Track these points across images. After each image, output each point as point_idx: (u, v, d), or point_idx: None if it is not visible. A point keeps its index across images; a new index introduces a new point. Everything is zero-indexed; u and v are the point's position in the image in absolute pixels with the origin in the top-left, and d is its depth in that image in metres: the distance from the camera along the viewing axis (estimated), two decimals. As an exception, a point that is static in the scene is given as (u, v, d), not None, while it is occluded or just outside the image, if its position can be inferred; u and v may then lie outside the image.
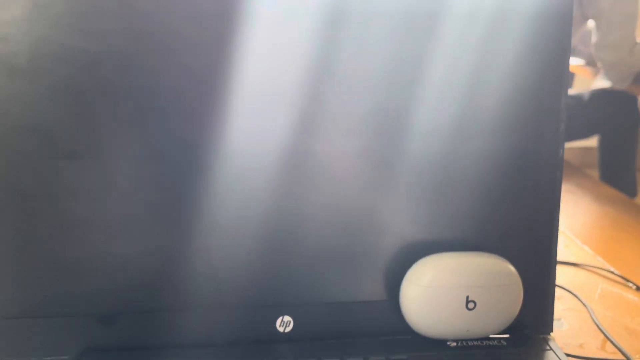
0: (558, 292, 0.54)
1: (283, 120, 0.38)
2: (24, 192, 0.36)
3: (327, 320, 0.40)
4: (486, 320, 0.40)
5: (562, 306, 0.52)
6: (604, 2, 1.33)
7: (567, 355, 0.43)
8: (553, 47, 0.40)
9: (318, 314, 0.40)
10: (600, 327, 0.48)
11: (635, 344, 0.47)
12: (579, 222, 0.84)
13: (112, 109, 0.37)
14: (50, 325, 0.38)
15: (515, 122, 0.41)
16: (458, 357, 0.39)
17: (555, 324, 0.44)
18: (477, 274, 0.40)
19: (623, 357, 0.44)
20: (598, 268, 0.62)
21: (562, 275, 0.60)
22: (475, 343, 0.41)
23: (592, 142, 1.69)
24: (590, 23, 1.42)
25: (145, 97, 0.37)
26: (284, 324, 0.40)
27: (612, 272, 0.61)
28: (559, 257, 0.44)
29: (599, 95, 1.50)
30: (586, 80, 1.77)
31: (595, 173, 1.54)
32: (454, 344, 0.41)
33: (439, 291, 0.39)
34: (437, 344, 0.40)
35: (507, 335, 0.42)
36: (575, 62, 1.62)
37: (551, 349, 0.41)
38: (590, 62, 1.56)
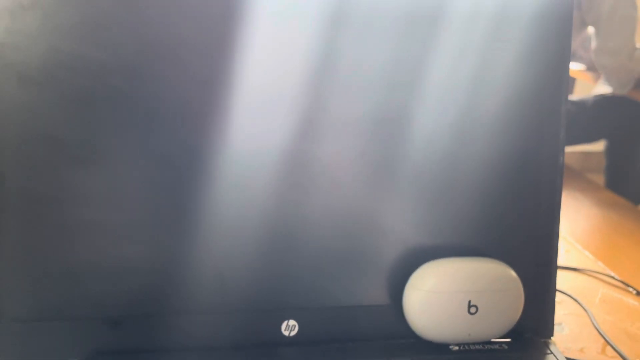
0: (559, 296, 0.54)
1: (287, 125, 0.39)
2: (33, 197, 0.37)
3: (331, 324, 0.41)
4: (488, 324, 0.41)
5: (563, 311, 0.53)
6: (603, 7, 1.33)
7: (568, 359, 0.43)
8: (553, 52, 0.41)
9: (323, 318, 0.41)
10: (601, 331, 0.48)
11: (636, 348, 0.47)
12: (579, 227, 0.84)
13: (120, 116, 0.37)
14: (59, 328, 0.38)
15: (516, 128, 0.41)
16: (460, 361, 0.40)
17: (556, 328, 0.44)
18: (479, 279, 0.40)
19: (623, 361, 0.44)
20: (598, 273, 0.62)
21: (563, 280, 0.60)
22: (477, 347, 0.41)
23: (594, 146, 1.69)
24: (590, 28, 1.43)
25: (152, 104, 0.38)
26: (289, 327, 0.41)
27: (613, 277, 0.61)
28: (560, 262, 0.45)
29: (603, 101, 1.51)
30: (587, 85, 1.77)
31: (596, 178, 1.54)
32: (456, 347, 0.41)
33: (441, 296, 0.40)
34: (439, 348, 0.41)
35: (508, 340, 0.42)
36: (576, 67, 1.62)
37: (552, 353, 0.42)
38: (591, 68, 1.56)
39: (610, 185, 1.56)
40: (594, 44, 1.40)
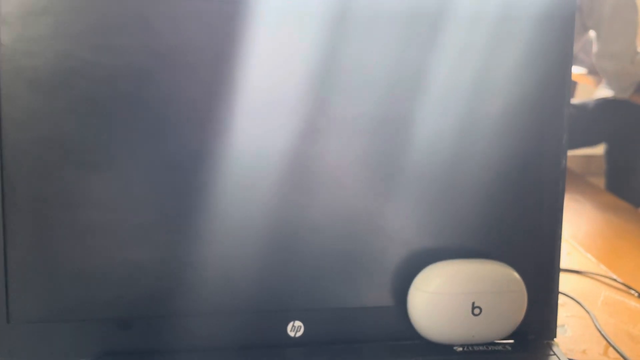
0: (561, 299, 0.55)
1: (293, 129, 0.39)
2: (45, 201, 0.38)
3: (336, 325, 0.41)
4: (491, 325, 0.41)
5: (566, 313, 0.53)
6: (604, 12, 1.34)
7: (571, 360, 0.44)
8: (555, 56, 0.41)
9: (328, 319, 0.41)
10: (603, 333, 0.49)
11: (638, 350, 0.48)
12: (582, 230, 0.85)
13: (129, 121, 0.38)
14: (69, 330, 0.39)
15: (519, 131, 0.42)
16: (464, 362, 0.40)
17: (558, 330, 0.45)
18: (483, 281, 0.41)
19: (625, 363, 0.45)
20: (601, 276, 0.62)
21: (566, 282, 0.60)
22: (480, 348, 0.42)
23: (596, 150, 1.69)
24: (592, 32, 1.43)
25: (160, 109, 0.38)
26: (295, 328, 0.41)
27: (615, 280, 0.61)
28: (563, 265, 0.45)
29: (604, 104, 1.51)
30: (589, 88, 1.78)
31: (598, 181, 1.54)
32: (460, 348, 0.42)
33: (445, 297, 0.40)
34: (443, 349, 0.41)
35: (511, 341, 0.43)
36: (577, 71, 1.63)
37: (555, 354, 0.42)
38: (593, 71, 1.57)
39: (610, 188, 1.57)
40: (595, 48, 1.40)
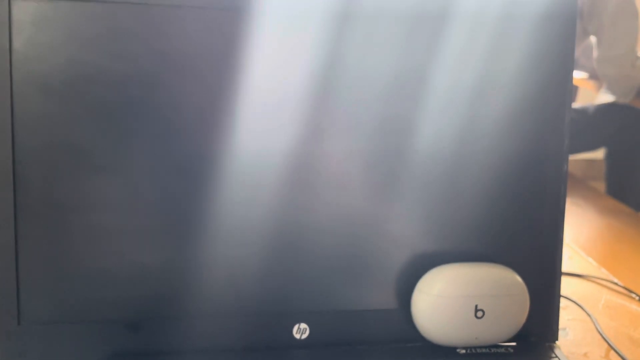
0: (563, 302, 0.55)
1: (298, 134, 0.40)
2: (55, 203, 0.38)
3: (341, 327, 0.42)
4: (494, 328, 0.42)
5: (567, 316, 0.53)
6: (604, 17, 1.34)
7: (572, 363, 0.44)
8: (556, 61, 0.42)
9: (333, 321, 0.42)
10: (604, 336, 0.49)
11: (638, 353, 0.48)
12: (583, 234, 0.85)
13: (137, 125, 0.39)
14: (78, 331, 0.39)
15: (521, 136, 0.42)
16: (467, 364, 0.41)
17: (560, 333, 0.45)
18: (486, 284, 0.41)
19: (626, 365, 0.45)
20: (602, 279, 0.63)
21: (567, 286, 0.61)
22: (483, 350, 0.42)
23: (596, 154, 1.70)
24: (592, 37, 1.44)
25: (168, 114, 0.39)
26: (300, 330, 0.42)
27: (616, 284, 0.62)
28: (564, 269, 0.46)
29: (605, 108, 1.52)
30: (590, 93, 1.78)
31: (599, 185, 1.55)
32: (463, 351, 0.42)
33: (448, 300, 0.41)
34: (446, 351, 0.42)
35: (514, 343, 0.43)
36: (578, 75, 1.63)
37: (557, 356, 0.43)
38: (593, 76, 1.57)
39: (611, 192, 1.57)
40: (595, 53, 1.41)
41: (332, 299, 0.42)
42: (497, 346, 0.43)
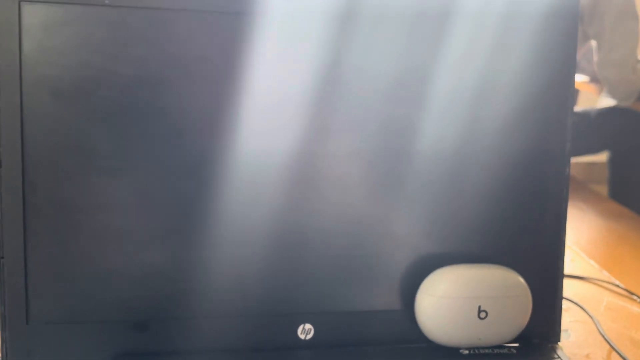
0: (565, 304, 0.55)
1: (303, 137, 0.41)
2: (64, 204, 0.39)
3: (346, 328, 0.42)
4: (497, 329, 0.42)
5: (569, 318, 0.54)
6: (605, 21, 1.34)
7: (574, 364, 0.45)
8: (558, 65, 0.42)
9: (338, 322, 0.42)
10: (606, 338, 0.50)
11: (640, 354, 0.49)
12: (585, 237, 0.86)
13: (146, 128, 0.39)
14: (86, 331, 0.40)
15: (523, 139, 0.43)
16: (470, 365, 0.41)
17: (562, 334, 0.45)
18: (489, 286, 0.42)
19: (628, 367, 0.45)
20: (604, 282, 0.63)
21: (569, 288, 0.61)
22: (486, 351, 0.43)
23: (598, 157, 1.70)
24: (593, 41, 1.44)
25: (175, 117, 0.39)
26: (305, 331, 0.42)
27: (618, 286, 0.62)
28: (566, 271, 0.46)
29: (607, 112, 1.52)
30: (591, 96, 1.79)
31: (600, 188, 1.55)
32: (467, 351, 0.43)
33: (452, 301, 0.41)
34: (450, 352, 0.42)
35: (517, 344, 0.44)
36: (579, 79, 1.63)
37: (559, 357, 0.43)
38: (595, 79, 1.58)
39: (613, 195, 1.57)
40: (596, 57, 1.41)
41: (336, 299, 0.42)
42: (500, 347, 0.43)
